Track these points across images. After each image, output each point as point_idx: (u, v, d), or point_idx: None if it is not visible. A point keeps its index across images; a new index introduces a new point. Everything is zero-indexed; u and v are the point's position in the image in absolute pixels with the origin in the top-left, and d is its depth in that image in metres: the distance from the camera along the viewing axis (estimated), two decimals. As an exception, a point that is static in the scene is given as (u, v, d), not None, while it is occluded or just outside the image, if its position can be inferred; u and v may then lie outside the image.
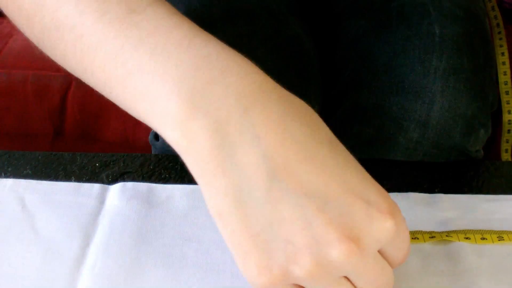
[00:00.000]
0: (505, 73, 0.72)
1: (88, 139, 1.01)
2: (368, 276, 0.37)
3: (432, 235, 0.49)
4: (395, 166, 0.58)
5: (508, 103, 0.72)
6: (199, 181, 0.38)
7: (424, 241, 0.48)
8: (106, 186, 0.54)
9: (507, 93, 0.72)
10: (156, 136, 0.68)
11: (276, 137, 0.35)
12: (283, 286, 0.37)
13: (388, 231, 0.36)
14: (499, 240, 0.49)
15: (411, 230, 0.50)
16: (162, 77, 0.36)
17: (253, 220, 0.35)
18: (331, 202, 0.35)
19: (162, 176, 0.55)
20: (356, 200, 0.35)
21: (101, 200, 0.52)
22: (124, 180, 0.55)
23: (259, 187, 0.35)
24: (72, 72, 0.44)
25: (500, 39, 0.75)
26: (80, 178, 0.55)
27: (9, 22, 1.06)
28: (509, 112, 0.72)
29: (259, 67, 0.38)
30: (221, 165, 0.36)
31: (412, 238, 0.49)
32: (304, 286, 0.37)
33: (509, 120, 0.71)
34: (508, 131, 0.72)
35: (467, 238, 0.49)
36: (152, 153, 0.68)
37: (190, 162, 0.37)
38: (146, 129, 0.95)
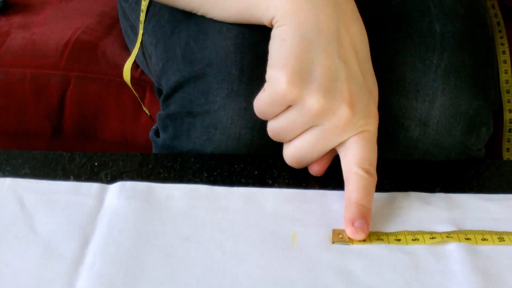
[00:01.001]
0: (506, 72, 0.72)
1: (86, 138, 1.01)
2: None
3: (432, 236, 0.49)
4: (395, 165, 0.58)
5: (509, 101, 0.71)
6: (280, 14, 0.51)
7: (425, 242, 0.48)
8: (105, 185, 0.54)
9: (508, 91, 0.72)
10: (157, 133, 0.67)
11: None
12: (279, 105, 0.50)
13: (345, 119, 0.49)
14: (499, 241, 0.48)
15: (411, 230, 0.50)
16: None
17: (305, 51, 0.49)
18: (354, 78, 0.50)
19: (161, 175, 0.55)
20: (367, 92, 0.51)
21: (100, 200, 0.52)
22: (123, 179, 0.55)
23: (322, 37, 0.49)
24: None
25: (501, 37, 0.74)
26: (79, 178, 0.55)
27: (7, 20, 1.06)
28: (510, 111, 0.71)
29: None
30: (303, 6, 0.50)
31: (412, 240, 0.49)
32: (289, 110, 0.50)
33: (510, 119, 0.71)
34: (509, 130, 0.71)
35: (467, 239, 0.48)
36: (153, 150, 0.68)
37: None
38: (145, 128, 0.95)
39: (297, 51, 0.49)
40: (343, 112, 0.49)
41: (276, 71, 0.49)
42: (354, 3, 0.53)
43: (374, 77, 0.53)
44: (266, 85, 0.51)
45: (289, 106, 0.50)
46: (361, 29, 0.53)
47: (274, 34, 0.52)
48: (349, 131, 0.50)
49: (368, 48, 0.53)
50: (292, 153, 0.53)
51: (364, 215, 0.48)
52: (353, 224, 0.48)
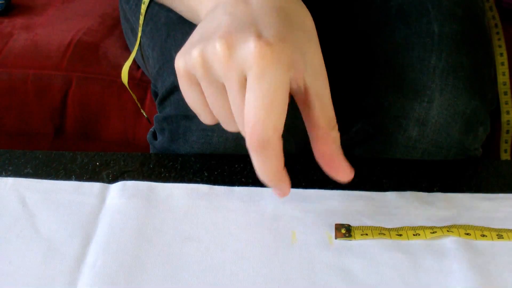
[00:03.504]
0: (503, 73, 0.72)
1: (88, 138, 1.01)
2: (232, 93, 0.42)
3: (433, 231, 0.49)
4: (394, 165, 0.58)
5: (506, 103, 0.72)
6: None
7: (426, 237, 0.48)
8: (107, 185, 0.54)
9: (505, 93, 0.72)
10: (154, 135, 0.68)
11: None
12: (188, 79, 0.44)
13: (256, 55, 0.40)
14: (498, 238, 0.49)
15: (411, 227, 0.50)
16: None
17: (198, 30, 0.45)
18: (239, 22, 0.42)
19: (162, 175, 0.56)
20: (254, 27, 0.42)
21: (102, 199, 0.52)
22: (124, 179, 0.55)
23: (215, 8, 0.45)
24: None
25: (499, 39, 0.75)
26: (80, 177, 0.55)
27: (10, 21, 1.06)
28: (507, 112, 0.72)
29: None
30: None
31: (414, 235, 0.49)
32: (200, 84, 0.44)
33: (508, 121, 0.71)
34: (507, 131, 0.72)
35: (467, 234, 0.49)
36: (150, 152, 0.68)
37: None
38: (146, 128, 0.96)
39: (192, 33, 0.46)
40: (217, 47, 0.41)
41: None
42: None
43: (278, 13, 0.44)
44: None
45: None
46: None
47: None
48: (244, 62, 0.41)
49: (279, 2, 0.45)
50: (249, 131, 0.42)
51: None
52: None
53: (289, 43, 0.41)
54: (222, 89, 0.43)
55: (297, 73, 0.42)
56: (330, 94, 0.44)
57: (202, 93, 0.45)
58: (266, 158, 0.42)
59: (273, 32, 0.41)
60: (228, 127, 0.46)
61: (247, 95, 0.40)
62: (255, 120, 0.40)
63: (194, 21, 0.55)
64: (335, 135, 0.45)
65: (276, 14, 0.43)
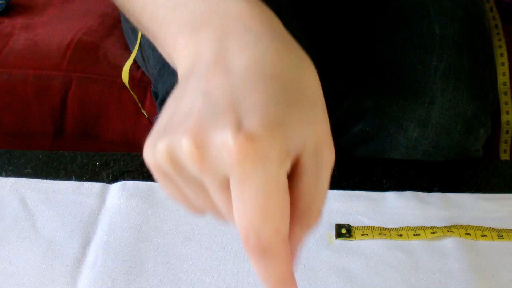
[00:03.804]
0: (504, 74, 0.73)
1: (88, 139, 1.01)
2: (215, 195, 0.33)
3: (433, 231, 0.49)
4: (394, 165, 0.58)
5: (506, 103, 0.72)
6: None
7: (426, 237, 0.49)
8: (107, 185, 0.54)
9: (505, 93, 0.72)
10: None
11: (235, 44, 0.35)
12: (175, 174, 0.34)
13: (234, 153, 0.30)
14: (499, 238, 0.49)
15: (411, 227, 0.50)
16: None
17: (168, 110, 0.35)
18: (214, 106, 0.32)
19: (162, 175, 0.56)
20: (231, 113, 0.31)
21: (102, 199, 0.52)
22: (124, 179, 0.55)
23: (191, 80, 0.35)
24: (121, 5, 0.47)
25: (499, 40, 0.75)
26: (80, 177, 0.55)
27: (10, 21, 1.06)
28: (507, 113, 0.72)
29: None
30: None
31: (414, 235, 0.49)
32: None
33: (508, 121, 0.72)
34: (507, 131, 0.72)
35: (468, 234, 0.49)
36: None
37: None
38: (146, 128, 0.96)
39: (161, 113, 0.36)
40: (184, 144, 0.31)
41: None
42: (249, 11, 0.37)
43: (267, 91, 0.33)
44: None
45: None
46: (257, 52, 0.34)
47: None
48: (214, 168, 0.32)
49: (272, 68, 0.34)
50: (242, 225, 0.33)
51: None
52: None
53: (282, 128, 0.31)
54: (201, 185, 0.33)
55: (297, 153, 0.32)
56: (328, 181, 0.34)
57: (178, 187, 0.35)
58: (268, 265, 0.33)
59: (258, 117, 0.31)
60: (221, 219, 0.36)
61: (233, 202, 0.31)
62: (249, 228, 0.31)
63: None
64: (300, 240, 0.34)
65: (264, 88, 0.32)
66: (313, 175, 0.33)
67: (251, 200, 0.31)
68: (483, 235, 0.49)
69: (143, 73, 0.96)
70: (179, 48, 0.38)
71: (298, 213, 0.33)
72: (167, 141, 0.33)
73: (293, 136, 0.31)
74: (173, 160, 0.33)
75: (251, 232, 0.32)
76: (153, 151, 0.34)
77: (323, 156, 0.33)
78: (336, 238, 0.49)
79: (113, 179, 0.55)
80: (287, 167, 0.32)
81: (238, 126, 0.30)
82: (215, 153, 0.31)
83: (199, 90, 0.33)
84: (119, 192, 0.53)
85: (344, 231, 0.49)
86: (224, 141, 0.30)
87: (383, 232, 0.49)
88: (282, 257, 0.33)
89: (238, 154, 0.30)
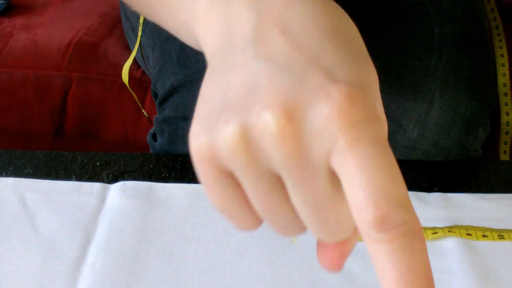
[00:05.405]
0: (504, 75, 0.73)
1: (88, 139, 1.01)
2: (306, 191, 0.27)
3: (435, 231, 0.49)
4: (394, 165, 0.58)
5: (506, 104, 0.72)
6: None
7: (427, 238, 0.49)
8: (107, 185, 0.54)
9: (505, 94, 0.72)
10: (154, 137, 0.68)
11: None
12: (214, 169, 0.28)
13: (334, 123, 0.25)
14: (499, 238, 0.49)
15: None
16: None
17: (214, 83, 0.30)
18: (287, 70, 0.27)
19: (162, 175, 0.56)
20: (316, 72, 0.27)
21: (102, 199, 0.52)
22: (124, 179, 0.55)
23: (234, 50, 0.30)
24: None
25: (500, 40, 0.75)
26: (80, 177, 0.55)
27: (10, 21, 1.06)
28: (507, 114, 0.72)
29: None
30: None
31: None
32: (237, 177, 0.28)
33: (507, 122, 0.72)
34: (507, 132, 0.72)
35: (468, 234, 0.49)
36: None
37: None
38: (146, 128, 0.96)
39: (204, 92, 0.30)
40: (269, 120, 0.26)
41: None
42: None
43: (344, 51, 0.29)
44: None
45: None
46: (306, 7, 0.30)
47: None
48: (307, 146, 0.26)
49: (328, 23, 0.30)
50: (317, 230, 0.29)
51: None
52: None
53: (365, 86, 0.28)
54: (276, 183, 0.27)
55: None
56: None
57: (238, 188, 0.29)
58: (415, 253, 0.25)
59: (347, 75, 0.27)
60: (286, 232, 0.32)
61: (347, 181, 0.25)
62: (382, 200, 0.25)
63: (192, 45, 0.37)
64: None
65: (333, 45, 0.28)
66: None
67: (375, 165, 0.25)
68: (484, 236, 0.49)
69: (143, 73, 0.96)
70: (201, 10, 0.32)
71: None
72: (239, 121, 0.26)
73: (373, 95, 0.28)
74: (250, 144, 0.26)
75: (389, 204, 0.25)
76: (210, 139, 0.27)
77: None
78: None
79: (113, 179, 0.55)
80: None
81: (334, 81, 0.26)
82: (313, 123, 0.25)
83: (257, 57, 0.28)
84: (119, 192, 0.53)
85: None
86: (323, 102, 0.25)
87: None
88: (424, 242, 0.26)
89: (344, 115, 0.25)
